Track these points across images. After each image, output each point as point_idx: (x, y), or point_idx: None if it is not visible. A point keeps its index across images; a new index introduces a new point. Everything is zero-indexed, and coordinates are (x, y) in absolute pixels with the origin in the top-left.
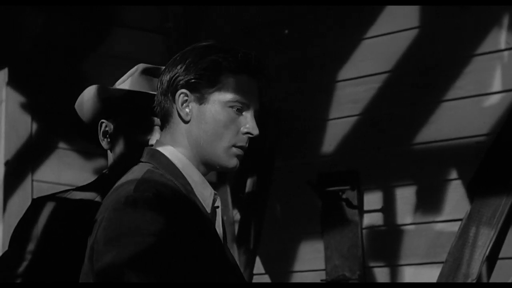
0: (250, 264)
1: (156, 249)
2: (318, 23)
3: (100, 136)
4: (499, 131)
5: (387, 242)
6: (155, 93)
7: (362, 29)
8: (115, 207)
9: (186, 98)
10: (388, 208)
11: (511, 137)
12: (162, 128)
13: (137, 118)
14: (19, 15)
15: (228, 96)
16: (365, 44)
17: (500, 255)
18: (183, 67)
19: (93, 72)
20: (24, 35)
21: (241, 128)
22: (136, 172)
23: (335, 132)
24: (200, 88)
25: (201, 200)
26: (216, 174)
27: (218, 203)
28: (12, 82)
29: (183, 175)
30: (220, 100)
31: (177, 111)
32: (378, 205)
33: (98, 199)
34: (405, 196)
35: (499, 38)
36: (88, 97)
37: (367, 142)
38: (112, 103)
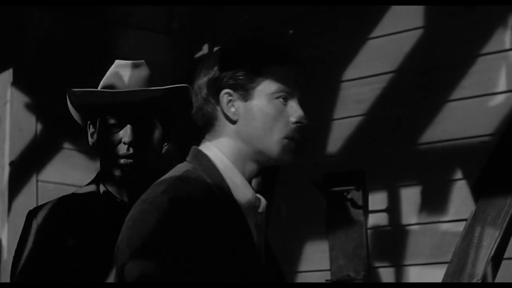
0: None
1: (177, 262)
2: (322, 23)
3: (89, 138)
4: (504, 131)
5: (392, 242)
6: (111, 90)
7: (367, 29)
8: (142, 207)
9: (230, 97)
10: (393, 208)
11: None
12: (205, 131)
13: (106, 117)
14: (24, 16)
15: (272, 87)
16: (369, 44)
17: (505, 255)
18: (221, 67)
19: (99, 73)
20: (29, 35)
21: (290, 118)
22: (174, 171)
23: (340, 132)
24: (243, 85)
25: (241, 204)
26: None
27: (261, 209)
28: (17, 82)
29: (223, 177)
30: (265, 93)
31: (223, 112)
32: (383, 205)
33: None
34: (410, 196)
35: (504, 38)
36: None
37: (371, 143)
38: (73, 105)
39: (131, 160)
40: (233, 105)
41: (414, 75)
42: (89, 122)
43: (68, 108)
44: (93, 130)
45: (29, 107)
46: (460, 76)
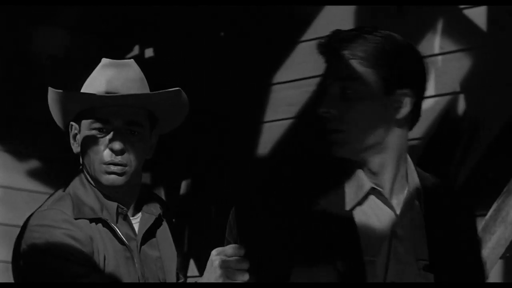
0: (184, 268)
1: None
2: (252, 25)
3: (71, 140)
4: (432, 135)
5: None
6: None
7: (299, 31)
8: None
9: None
10: None
11: (445, 141)
12: None
13: (91, 121)
14: None
15: None
16: (301, 46)
17: None
18: None
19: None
20: None
21: None
22: None
23: (270, 136)
24: None
25: None
26: (151, 176)
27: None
28: None
29: None
30: None
31: None
32: None
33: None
34: None
35: (433, 42)
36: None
37: (304, 146)
38: (55, 106)
39: (118, 167)
40: None
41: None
42: (71, 123)
43: None
44: (75, 132)
45: None
46: None
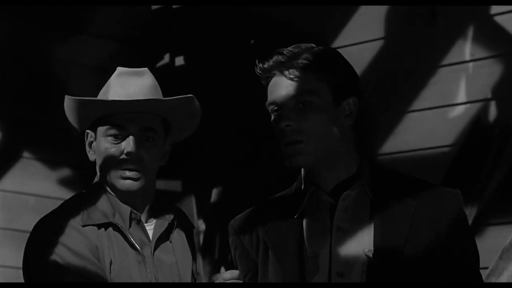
0: (212, 273)
1: None
2: (283, 32)
3: (86, 148)
4: (464, 141)
5: None
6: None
7: (329, 39)
8: None
9: None
10: None
11: (476, 147)
12: None
13: (107, 127)
14: None
15: None
16: None
17: None
18: None
19: (60, 80)
20: None
21: None
22: None
23: None
24: None
25: None
26: (181, 184)
27: None
28: None
29: None
30: None
31: None
32: None
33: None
34: None
35: (464, 49)
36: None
37: None
38: (71, 113)
39: (133, 173)
40: None
41: (374, 85)
42: (87, 131)
43: (29, 116)
44: (91, 140)
45: None
46: (420, 87)
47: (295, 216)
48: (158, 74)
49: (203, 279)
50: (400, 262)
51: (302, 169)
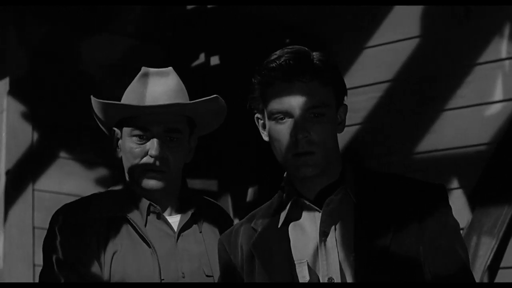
0: None
1: None
2: (318, 32)
3: (114, 144)
4: (500, 140)
5: None
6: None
7: (363, 38)
8: None
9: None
10: None
11: None
12: None
13: (132, 128)
14: (20, 25)
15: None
16: (366, 53)
17: (501, 265)
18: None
19: (94, 81)
20: (25, 44)
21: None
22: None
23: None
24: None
25: None
26: (218, 183)
27: None
28: (13, 91)
29: None
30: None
31: None
32: None
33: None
34: None
35: (500, 47)
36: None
37: (368, 151)
38: (97, 113)
39: (157, 173)
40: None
41: (410, 84)
42: (114, 129)
43: (65, 116)
44: (118, 137)
45: (25, 116)
46: (456, 85)
47: (279, 226)
48: (194, 73)
49: None
50: (388, 263)
51: (284, 176)
